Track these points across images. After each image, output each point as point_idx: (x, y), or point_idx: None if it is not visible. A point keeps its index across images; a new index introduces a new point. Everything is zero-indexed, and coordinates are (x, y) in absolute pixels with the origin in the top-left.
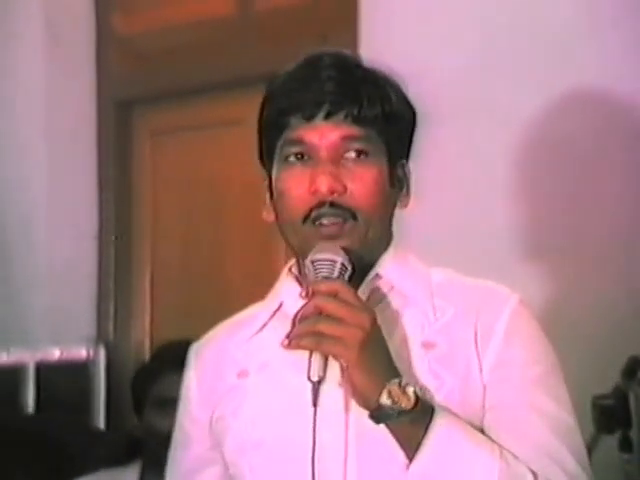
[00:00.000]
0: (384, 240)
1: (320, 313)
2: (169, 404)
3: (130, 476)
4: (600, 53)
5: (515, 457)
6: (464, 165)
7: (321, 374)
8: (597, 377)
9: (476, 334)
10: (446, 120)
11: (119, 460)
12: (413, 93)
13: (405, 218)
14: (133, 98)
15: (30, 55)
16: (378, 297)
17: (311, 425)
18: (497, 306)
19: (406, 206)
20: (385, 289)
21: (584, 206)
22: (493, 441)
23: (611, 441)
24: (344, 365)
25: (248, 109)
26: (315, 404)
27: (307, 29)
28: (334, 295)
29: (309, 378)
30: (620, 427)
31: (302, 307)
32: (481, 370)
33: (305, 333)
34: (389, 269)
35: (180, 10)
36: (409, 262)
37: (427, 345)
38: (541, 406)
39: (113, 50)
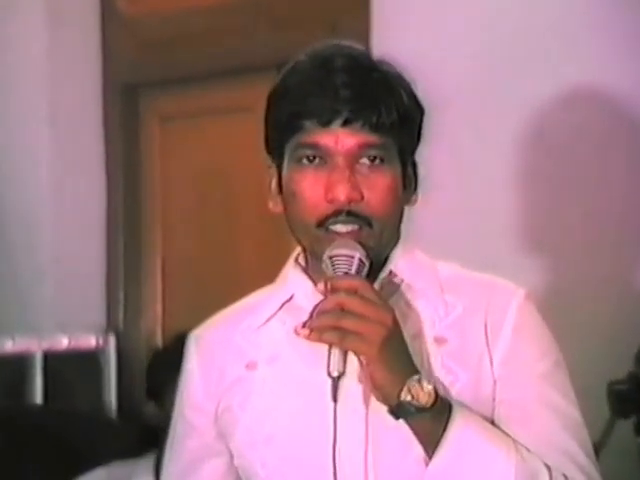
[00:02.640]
0: (394, 238)
1: (341, 309)
2: None
3: (144, 467)
4: (606, 46)
5: (529, 451)
6: (466, 157)
7: (341, 369)
8: (609, 364)
9: (486, 329)
10: (454, 111)
11: (132, 451)
12: (425, 84)
13: (407, 210)
14: (140, 82)
15: (34, 38)
16: (389, 292)
17: (330, 420)
18: (505, 301)
19: (415, 203)
20: (395, 285)
21: (587, 198)
22: (507, 435)
23: (627, 426)
24: (364, 361)
25: (258, 96)
26: (335, 399)
27: (317, 15)
28: (354, 291)
29: (329, 373)
30: (635, 412)
31: (321, 302)
32: (492, 364)
33: (327, 327)
34: (400, 266)
35: None
36: (417, 258)
37: (439, 340)
38: (550, 401)
39: (119, 32)
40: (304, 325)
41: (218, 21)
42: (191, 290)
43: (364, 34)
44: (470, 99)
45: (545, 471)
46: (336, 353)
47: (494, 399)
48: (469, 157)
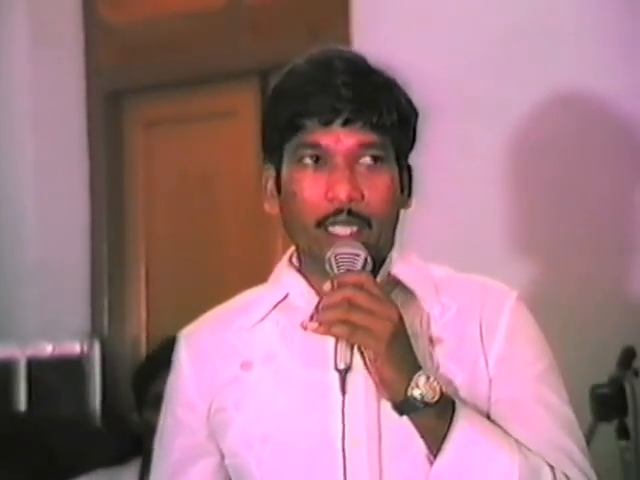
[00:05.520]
0: (390, 240)
1: (348, 304)
2: None
3: (128, 475)
4: (596, 51)
5: (529, 450)
6: (454, 163)
7: (348, 362)
8: (591, 368)
9: (481, 329)
10: (437, 117)
11: (117, 458)
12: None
13: (400, 217)
14: (123, 89)
15: (17, 46)
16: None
17: (337, 414)
18: (499, 302)
19: (409, 207)
20: (391, 286)
21: (571, 202)
22: (509, 434)
23: (609, 429)
24: (372, 357)
25: (240, 101)
26: (344, 392)
27: (299, 22)
28: (361, 287)
29: (336, 367)
30: (617, 415)
31: (326, 296)
32: (487, 364)
33: (336, 321)
34: (396, 268)
35: (171, 0)
36: (412, 261)
37: (434, 341)
38: (547, 401)
39: (101, 40)
40: (311, 319)
41: (200, 28)
42: (175, 295)
43: (345, 41)
44: (456, 106)
45: (548, 470)
46: (343, 346)
47: (489, 398)
48: (458, 164)
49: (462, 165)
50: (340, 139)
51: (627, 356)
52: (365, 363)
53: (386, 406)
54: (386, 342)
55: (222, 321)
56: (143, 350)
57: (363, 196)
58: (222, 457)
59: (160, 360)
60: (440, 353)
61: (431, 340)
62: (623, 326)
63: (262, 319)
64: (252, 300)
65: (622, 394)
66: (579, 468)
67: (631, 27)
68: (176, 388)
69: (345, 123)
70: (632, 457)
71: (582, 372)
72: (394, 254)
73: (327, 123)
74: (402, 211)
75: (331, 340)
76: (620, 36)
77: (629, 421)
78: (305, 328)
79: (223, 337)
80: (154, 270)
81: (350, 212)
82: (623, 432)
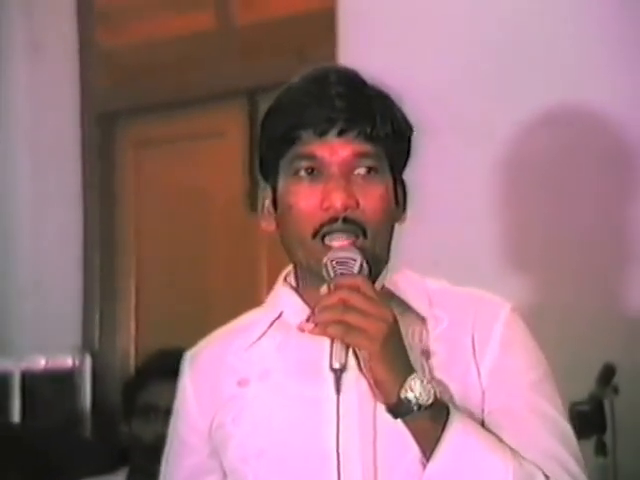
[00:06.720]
0: (385, 253)
1: (344, 305)
2: (153, 411)
3: None
4: (576, 71)
5: (523, 458)
6: (446, 178)
7: (343, 362)
8: (570, 384)
9: (473, 341)
10: (427, 136)
11: (106, 469)
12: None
13: (395, 230)
14: (116, 110)
15: (13, 68)
16: None
17: (334, 416)
18: (492, 314)
19: (404, 221)
20: (386, 299)
21: (564, 216)
22: (503, 442)
23: (587, 446)
24: (366, 357)
25: (230, 122)
26: (338, 391)
27: (285, 43)
28: (357, 289)
29: (331, 366)
30: (596, 432)
31: (323, 298)
32: (479, 375)
33: (331, 321)
34: (391, 281)
35: (162, 24)
36: (407, 274)
37: (426, 353)
38: (541, 410)
39: (96, 62)
40: (307, 320)
41: (190, 50)
42: (164, 310)
43: (331, 60)
44: (446, 122)
45: (542, 478)
46: (338, 346)
47: (483, 410)
48: (449, 179)
49: (454, 180)
50: (335, 150)
51: (607, 373)
52: (360, 365)
53: (381, 408)
54: (380, 342)
55: (223, 342)
56: (132, 363)
57: (358, 204)
58: (224, 475)
59: (148, 372)
60: (432, 366)
61: (423, 353)
62: (604, 343)
63: (259, 338)
64: (252, 321)
65: (601, 411)
66: (574, 478)
67: (625, 46)
68: (180, 409)
69: (340, 133)
70: (610, 474)
71: (562, 388)
72: (389, 269)
73: (322, 134)
74: (397, 226)
75: (326, 352)
76: (611, 52)
77: (607, 438)
78: (302, 330)
79: (223, 357)
80: (144, 286)
81: (345, 220)
82: (601, 449)
